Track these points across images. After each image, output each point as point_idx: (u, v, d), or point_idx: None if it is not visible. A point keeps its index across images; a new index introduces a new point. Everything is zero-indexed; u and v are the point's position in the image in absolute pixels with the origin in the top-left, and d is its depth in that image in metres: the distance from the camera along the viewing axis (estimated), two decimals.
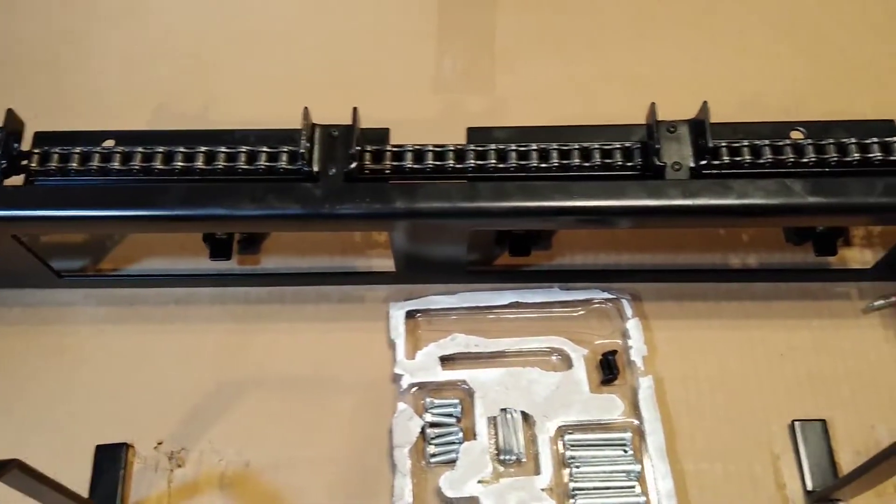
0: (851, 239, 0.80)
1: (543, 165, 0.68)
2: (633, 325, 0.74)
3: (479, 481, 0.68)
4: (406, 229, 0.67)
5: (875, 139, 0.68)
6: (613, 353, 0.74)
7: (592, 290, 0.77)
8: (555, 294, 0.77)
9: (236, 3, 0.97)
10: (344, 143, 0.68)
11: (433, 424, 0.71)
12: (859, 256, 0.79)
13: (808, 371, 0.74)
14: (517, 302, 0.76)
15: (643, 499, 0.67)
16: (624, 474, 0.69)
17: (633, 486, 0.68)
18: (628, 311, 0.75)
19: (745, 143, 0.68)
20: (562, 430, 0.71)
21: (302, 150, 0.66)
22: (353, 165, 0.67)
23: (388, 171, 0.69)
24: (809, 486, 0.68)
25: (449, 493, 0.67)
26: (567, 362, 0.73)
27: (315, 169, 0.68)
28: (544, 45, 0.93)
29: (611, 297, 0.76)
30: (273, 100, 0.89)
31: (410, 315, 0.76)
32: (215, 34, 0.95)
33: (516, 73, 0.92)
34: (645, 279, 0.78)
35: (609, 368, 0.73)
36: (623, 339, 0.75)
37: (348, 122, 0.70)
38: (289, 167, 0.68)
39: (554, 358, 0.74)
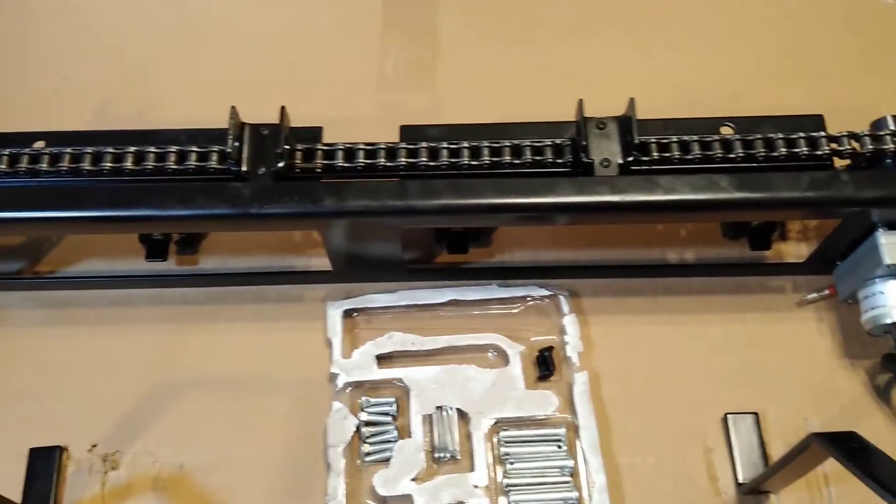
0: (787, 233, 0.80)
1: (475, 163, 0.68)
2: (569, 321, 0.75)
3: (413, 479, 0.68)
4: (337, 228, 0.67)
5: (802, 134, 0.68)
6: (550, 349, 0.74)
7: (530, 287, 0.77)
8: (493, 291, 0.77)
9: (176, 3, 0.96)
10: (274, 142, 0.67)
11: (368, 423, 0.71)
12: (795, 250, 0.80)
13: (743, 364, 0.74)
14: (455, 300, 0.76)
15: (576, 494, 0.67)
16: (558, 470, 0.69)
17: (567, 482, 0.68)
18: (565, 307, 0.75)
19: (675, 138, 0.68)
20: (497, 427, 0.70)
21: (229, 150, 0.66)
22: (282, 165, 0.66)
23: (319, 170, 0.69)
24: (740, 479, 0.69)
25: (382, 492, 0.67)
26: (504, 359, 0.74)
27: (244, 168, 0.67)
28: (486, 43, 0.93)
29: (548, 293, 0.76)
30: (214, 100, 0.87)
31: (349, 314, 0.76)
32: (154, 35, 0.94)
33: (457, 71, 0.91)
34: (584, 275, 0.78)
35: (545, 365, 0.73)
36: (560, 336, 0.75)
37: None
38: (219, 167, 0.68)
39: (490, 355, 0.74)
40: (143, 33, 0.94)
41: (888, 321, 0.68)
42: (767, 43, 0.92)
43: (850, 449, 0.48)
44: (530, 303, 0.77)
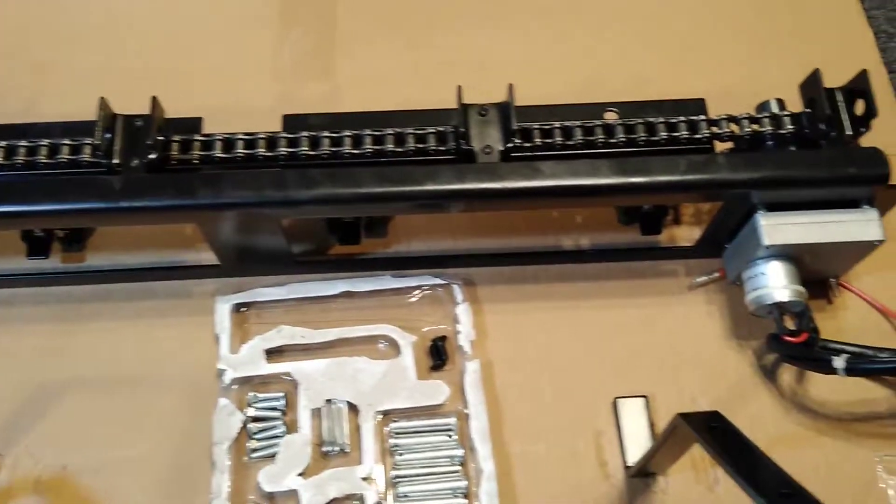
0: (681, 218, 0.81)
1: (356, 152, 0.67)
2: (462, 310, 0.74)
3: (300, 474, 0.67)
4: (215, 221, 0.66)
5: (682, 118, 0.69)
6: (443, 338, 0.74)
7: (424, 277, 0.76)
8: (386, 282, 0.76)
9: None
10: (147, 133, 0.66)
11: (256, 419, 0.70)
12: (688, 234, 0.80)
13: (634, 348, 0.75)
14: (348, 291, 0.75)
15: (465, 482, 0.67)
16: (448, 459, 0.68)
17: (456, 471, 0.68)
18: (458, 296, 0.75)
19: (557, 124, 0.68)
20: (387, 419, 0.70)
21: (97, 142, 0.64)
22: (154, 156, 0.64)
23: (196, 162, 0.67)
24: (629, 462, 0.69)
25: (268, 488, 0.66)
26: (395, 350, 0.73)
27: (116, 161, 0.65)
28: (387, 30, 0.92)
29: (442, 282, 0.76)
30: (105, 93, 0.85)
31: (238, 309, 0.75)
32: (40, 28, 0.91)
33: (357, 59, 0.90)
34: (479, 264, 0.78)
35: (438, 354, 0.73)
36: (454, 325, 0.74)
37: (174, 113, 0.69)
38: (91, 160, 0.66)
39: (382, 346, 0.73)
40: (26, 29, 0.91)
41: (770, 301, 0.69)
42: (676, 29, 0.92)
43: (708, 428, 0.49)
44: (424, 293, 0.76)
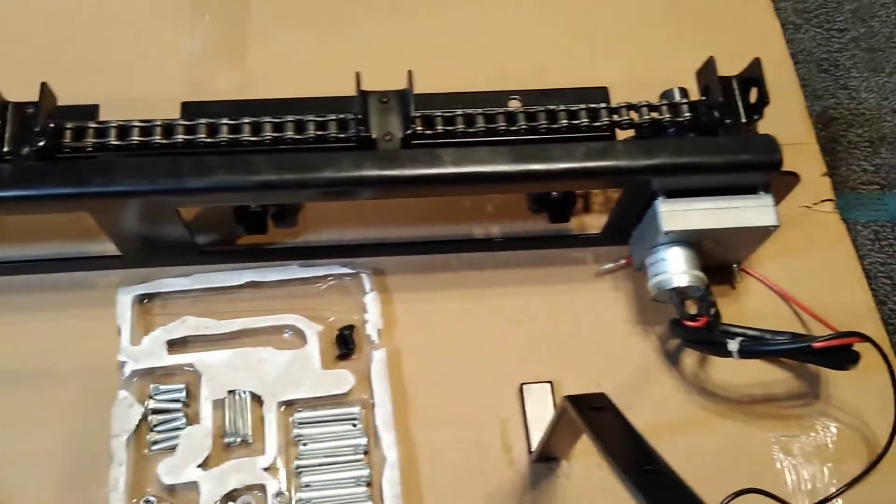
0: (591, 206, 0.82)
1: (255, 139, 0.67)
2: (370, 299, 0.74)
3: (199, 465, 0.66)
4: (109, 210, 0.65)
5: (583, 106, 0.69)
6: (350, 328, 0.73)
7: (332, 267, 0.76)
8: (293, 271, 0.75)
9: None
10: (36, 120, 0.64)
11: (156, 411, 0.69)
12: (598, 222, 0.81)
13: (542, 335, 0.75)
14: (254, 281, 0.75)
15: (368, 471, 0.67)
16: (351, 448, 0.68)
17: (359, 460, 0.68)
18: (367, 285, 0.75)
19: (459, 112, 0.68)
20: (291, 409, 0.69)
21: None
22: (43, 143, 0.63)
23: (90, 150, 0.65)
24: (533, 448, 0.69)
25: (166, 480, 0.65)
26: (302, 340, 0.72)
27: (6, 149, 0.64)
28: (301, 19, 0.91)
29: (351, 272, 0.76)
30: (14, 81, 0.83)
31: (142, 300, 0.73)
32: None
33: (271, 48, 0.89)
34: (389, 253, 0.78)
35: (345, 343, 0.73)
36: (362, 314, 0.74)
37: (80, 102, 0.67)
38: None
39: (287, 336, 0.73)
40: None
41: (670, 287, 0.70)
42: (585, 18, 0.93)
43: (590, 409, 0.49)
44: (332, 282, 0.76)
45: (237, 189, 0.64)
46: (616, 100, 0.73)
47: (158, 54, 0.88)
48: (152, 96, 0.83)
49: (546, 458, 0.68)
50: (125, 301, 0.73)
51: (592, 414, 0.48)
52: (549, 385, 0.72)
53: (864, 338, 0.65)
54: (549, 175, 0.66)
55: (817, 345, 0.64)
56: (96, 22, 0.89)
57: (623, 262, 0.78)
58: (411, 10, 0.93)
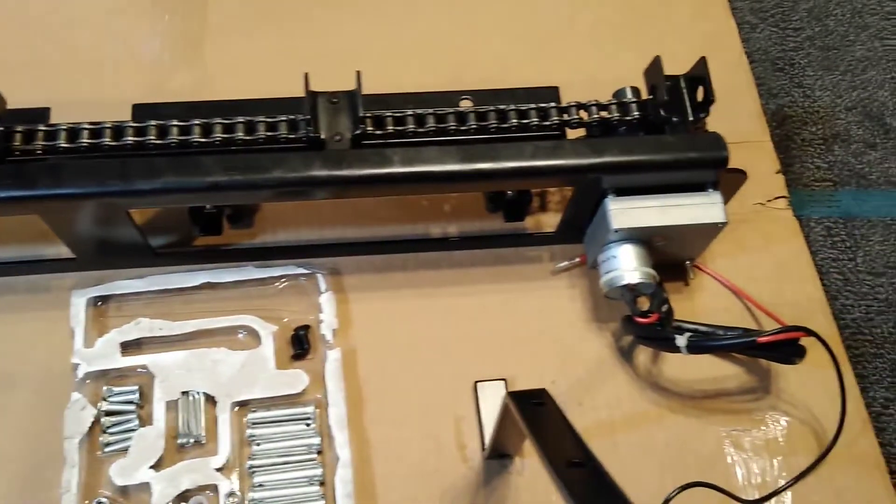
0: (547, 204, 0.82)
1: (205, 140, 0.67)
2: (325, 299, 0.74)
3: (152, 467, 0.66)
4: (59, 213, 0.65)
5: (532, 105, 0.70)
6: (306, 328, 0.74)
7: (288, 267, 0.76)
8: (249, 272, 0.76)
9: None
10: None
11: (110, 413, 0.69)
12: (554, 221, 0.81)
13: (498, 333, 0.75)
14: (209, 282, 0.75)
15: (321, 470, 0.67)
16: (305, 448, 0.68)
17: (313, 459, 0.68)
18: (322, 285, 0.75)
19: (410, 112, 0.69)
20: (245, 409, 0.70)
21: None
22: None
23: (39, 153, 0.66)
24: (486, 444, 0.69)
25: (119, 482, 0.65)
26: (257, 340, 0.72)
27: None
28: (259, 19, 0.91)
29: (306, 272, 0.76)
30: None
31: (97, 302, 0.74)
32: None
33: (229, 48, 0.90)
34: (346, 253, 0.78)
35: (300, 344, 0.73)
36: (317, 314, 0.74)
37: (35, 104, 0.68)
38: None
39: (242, 336, 0.73)
40: None
41: (621, 284, 0.71)
42: (540, 18, 0.94)
43: (530, 405, 0.50)
44: (288, 283, 0.76)
45: (186, 190, 0.64)
46: (571, 99, 0.74)
47: (117, 55, 0.88)
48: (110, 98, 0.83)
49: (499, 455, 0.69)
50: (79, 303, 0.73)
51: (532, 409, 0.49)
52: (503, 382, 0.73)
53: (809, 332, 0.65)
54: (498, 174, 0.66)
55: (762, 339, 0.65)
56: (53, 23, 0.89)
57: (578, 260, 0.78)
58: (368, 11, 0.93)
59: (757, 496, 0.69)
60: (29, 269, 0.75)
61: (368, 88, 0.71)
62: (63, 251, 0.76)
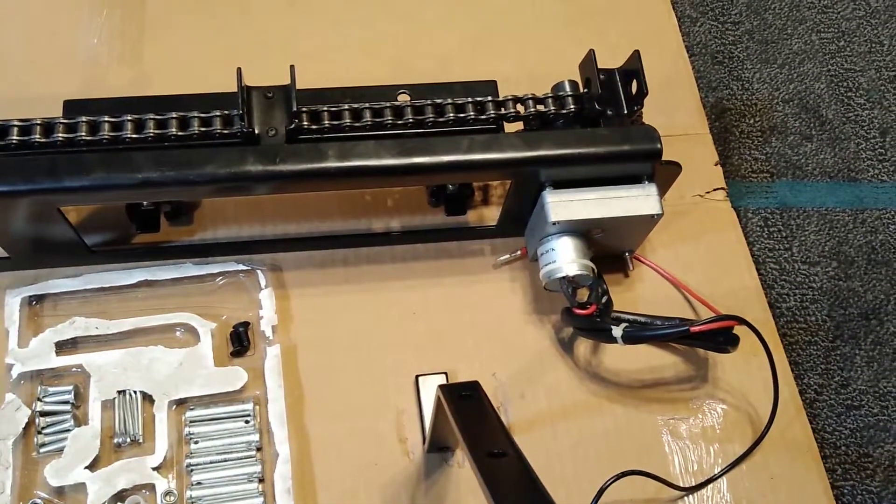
0: (490, 198, 0.83)
1: (137, 136, 0.66)
2: (264, 296, 0.74)
3: (87, 467, 0.65)
4: None
5: (469, 99, 0.70)
6: (245, 324, 0.73)
7: (227, 263, 0.76)
8: (187, 269, 0.75)
9: None
10: None
11: (45, 413, 0.68)
12: (496, 215, 0.82)
13: (439, 327, 0.76)
14: (146, 280, 0.74)
15: (260, 467, 0.67)
16: (244, 445, 0.68)
17: (252, 456, 0.68)
18: (262, 281, 0.75)
19: (346, 106, 0.69)
20: (183, 408, 0.69)
21: None
22: None
23: None
24: (427, 438, 0.70)
25: (54, 482, 0.65)
26: (195, 338, 0.72)
27: None
28: (197, 14, 0.90)
29: (246, 268, 0.76)
30: None
31: (31, 302, 0.72)
32: None
33: (167, 44, 0.89)
34: (287, 249, 0.78)
35: (239, 340, 0.72)
36: (257, 311, 0.74)
37: None
38: None
39: (180, 334, 0.72)
40: None
41: (559, 276, 0.72)
42: (480, 12, 0.94)
43: (459, 397, 0.50)
44: (227, 280, 0.76)
45: (117, 187, 0.63)
46: (510, 93, 0.74)
47: (54, 51, 0.87)
48: (47, 95, 0.81)
49: (439, 448, 0.69)
50: (13, 303, 0.71)
51: (461, 402, 0.49)
52: (444, 376, 0.73)
53: (741, 321, 0.67)
54: (434, 168, 0.66)
55: (695, 329, 0.66)
56: None
57: (519, 253, 0.79)
58: (307, 4, 0.92)
59: (693, 483, 0.70)
60: None
61: (306, 83, 0.71)
62: None
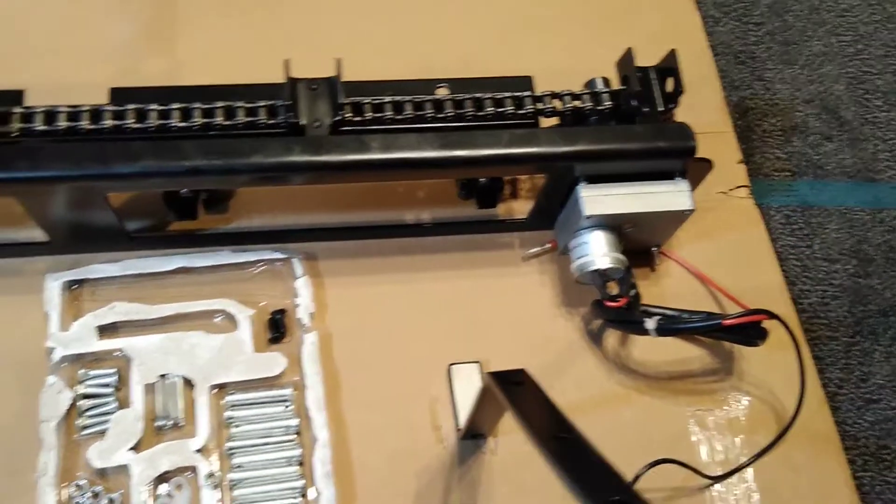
0: (518, 192, 0.84)
1: (184, 125, 0.67)
2: (301, 284, 0.75)
3: (131, 449, 0.66)
4: (36, 196, 0.64)
5: (507, 94, 0.71)
6: (282, 312, 0.74)
7: (264, 252, 0.77)
8: (225, 257, 0.76)
9: None
10: None
11: (87, 396, 0.69)
12: (526, 208, 0.83)
13: (470, 318, 0.77)
14: (185, 267, 0.75)
15: (300, 450, 0.68)
16: (283, 429, 0.69)
17: (291, 440, 0.69)
18: (298, 270, 0.76)
19: (388, 99, 0.70)
20: (223, 392, 0.70)
21: None
22: None
23: (15, 135, 0.65)
24: (460, 425, 0.71)
25: (97, 464, 0.66)
26: (233, 324, 0.73)
27: None
28: (230, 5, 0.91)
29: (282, 257, 0.77)
30: None
31: (71, 286, 0.73)
32: None
33: (200, 34, 0.89)
34: (321, 238, 0.79)
35: (276, 327, 0.74)
36: (293, 299, 0.75)
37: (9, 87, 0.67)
38: None
39: (219, 320, 0.73)
40: None
41: (592, 269, 0.73)
42: (511, 8, 0.95)
43: (510, 384, 0.51)
44: (264, 267, 0.77)
45: (165, 174, 0.64)
46: (538, 89, 0.76)
47: (87, 40, 0.87)
48: (80, 82, 0.82)
49: (473, 436, 0.71)
50: (54, 287, 0.72)
51: (512, 389, 0.50)
52: (477, 365, 0.74)
53: (771, 315, 0.68)
54: (475, 161, 0.68)
55: (727, 322, 0.68)
56: (22, 6, 0.88)
57: (548, 246, 0.80)
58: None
59: (720, 472, 0.71)
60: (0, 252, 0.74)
61: (343, 76, 0.72)
62: (35, 235, 0.75)
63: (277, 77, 0.73)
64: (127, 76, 0.86)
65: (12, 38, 0.86)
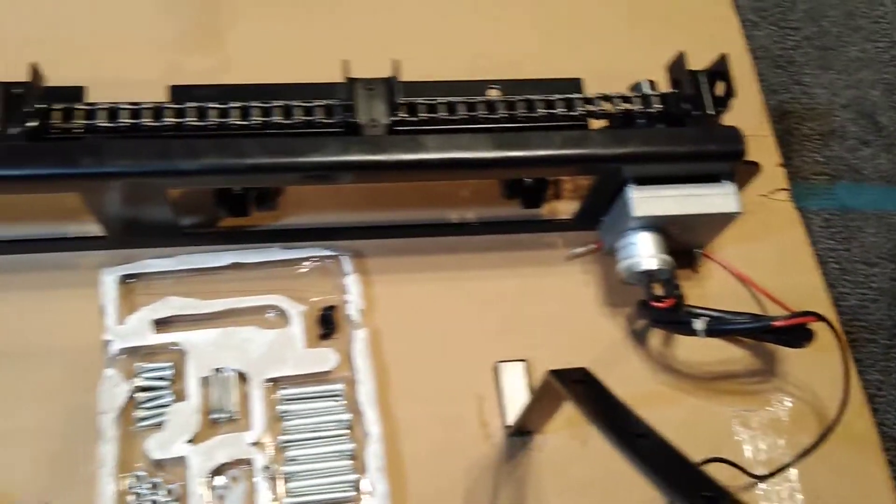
0: (562, 192, 0.85)
1: (243, 123, 0.68)
2: (351, 281, 0.76)
3: (189, 441, 0.67)
4: (98, 191, 0.65)
5: (559, 96, 0.72)
6: (332, 308, 0.76)
7: (313, 249, 0.78)
8: (275, 253, 0.77)
9: None
10: (27, 101, 0.65)
11: (143, 388, 0.70)
12: (568, 208, 0.84)
13: (515, 316, 0.78)
14: (236, 262, 0.76)
15: (353, 445, 0.69)
16: (336, 423, 0.70)
17: (344, 434, 0.70)
18: (347, 267, 0.77)
19: (442, 100, 0.71)
20: (276, 386, 0.71)
21: None
22: (33, 124, 0.64)
23: (78, 130, 0.66)
24: (508, 422, 0.72)
25: (156, 455, 0.67)
26: (284, 320, 0.74)
27: None
28: (279, 3, 0.92)
29: (332, 254, 0.78)
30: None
31: (125, 280, 0.74)
32: None
33: (248, 32, 0.91)
34: (369, 236, 0.80)
35: (326, 323, 0.75)
36: (343, 295, 0.76)
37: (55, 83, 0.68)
38: None
39: (271, 316, 0.75)
40: None
41: (639, 269, 0.74)
42: (557, 13, 0.96)
43: (575, 382, 0.52)
44: (313, 264, 0.78)
45: (226, 172, 0.65)
46: (587, 91, 0.77)
47: (135, 36, 0.89)
48: (129, 79, 0.83)
49: (521, 433, 0.72)
50: (109, 281, 0.74)
51: (578, 387, 0.51)
52: (523, 363, 0.75)
53: (819, 317, 0.69)
54: (528, 161, 0.69)
55: (777, 324, 0.69)
56: (68, 3, 0.89)
57: (592, 246, 0.81)
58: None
59: (764, 472, 0.72)
60: (55, 246, 0.76)
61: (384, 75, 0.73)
62: (89, 229, 0.77)
63: (323, 75, 0.74)
64: (175, 73, 0.87)
65: (62, 35, 0.87)
